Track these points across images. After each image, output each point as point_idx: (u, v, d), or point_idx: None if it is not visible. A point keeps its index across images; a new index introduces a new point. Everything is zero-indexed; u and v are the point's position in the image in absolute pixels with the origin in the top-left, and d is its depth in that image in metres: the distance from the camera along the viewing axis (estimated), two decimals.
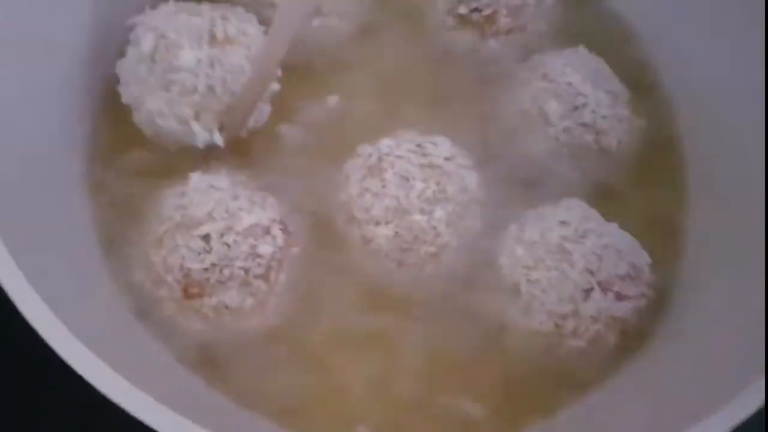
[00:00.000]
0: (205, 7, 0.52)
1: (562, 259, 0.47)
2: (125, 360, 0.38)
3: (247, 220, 0.46)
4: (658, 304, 0.51)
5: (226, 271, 0.45)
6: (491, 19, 0.59)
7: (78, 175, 0.53)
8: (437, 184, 0.49)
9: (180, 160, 0.53)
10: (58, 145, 0.51)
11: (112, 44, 0.55)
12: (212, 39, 0.50)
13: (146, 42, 0.50)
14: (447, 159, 0.51)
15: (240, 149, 0.54)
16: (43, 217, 0.46)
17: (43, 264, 0.40)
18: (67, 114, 0.53)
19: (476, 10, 0.59)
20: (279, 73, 0.53)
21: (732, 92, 0.57)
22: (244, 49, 0.51)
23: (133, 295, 0.49)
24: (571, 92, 0.54)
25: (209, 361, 0.47)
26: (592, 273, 0.47)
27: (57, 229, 0.48)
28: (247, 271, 0.45)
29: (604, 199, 0.55)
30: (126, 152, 0.54)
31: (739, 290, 0.50)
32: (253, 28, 0.53)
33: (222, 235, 0.45)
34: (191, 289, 0.46)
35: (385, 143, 0.51)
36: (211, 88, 0.50)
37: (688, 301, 0.52)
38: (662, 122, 0.60)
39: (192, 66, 0.49)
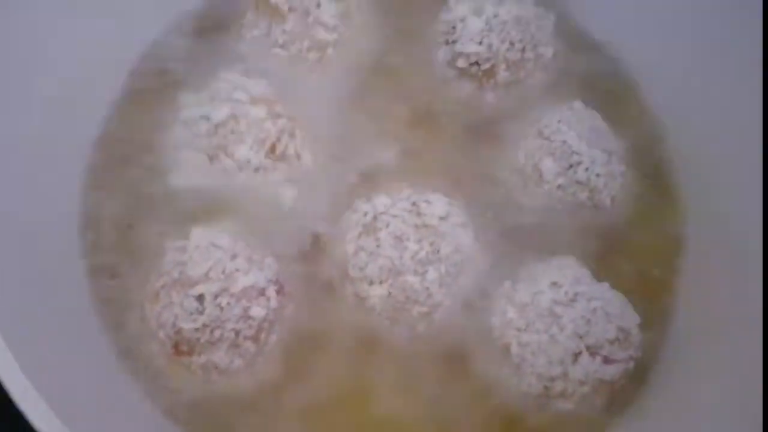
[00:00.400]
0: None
1: (552, 322, 0.48)
2: (109, 412, 0.39)
3: (242, 281, 0.47)
4: (647, 363, 0.52)
5: (217, 332, 0.46)
6: (490, 72, 0.59)
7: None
8: (431, 244, 0.50)
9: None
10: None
11: None
12: None
13: None
14: (441, 218, 0.51)
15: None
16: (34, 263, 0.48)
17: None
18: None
19: (475, 63, 0.59)
20: None
21: (734, 147, 0.57)
22: None
23: (126, 346, 0.50)
24: (565, 150, 0.55)
25: (196, 417, 0.48)
26: (581, 337, 0.48)
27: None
28: (237, 333, 0.47)
29: (598, 255, 0.56)
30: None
31: (727, 350, 0.50)
32: None
33: (216, 297, 0.46)
34: (181, 347, 0.47)
35: (381, 201, 0.52)
36: None
37: (677, 359, 0.53)
38: (660, 176, 0.61)
39: None
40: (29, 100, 0.51)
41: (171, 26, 0.61)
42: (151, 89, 0.58)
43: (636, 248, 0.57)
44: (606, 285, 0.51)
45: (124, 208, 0.55)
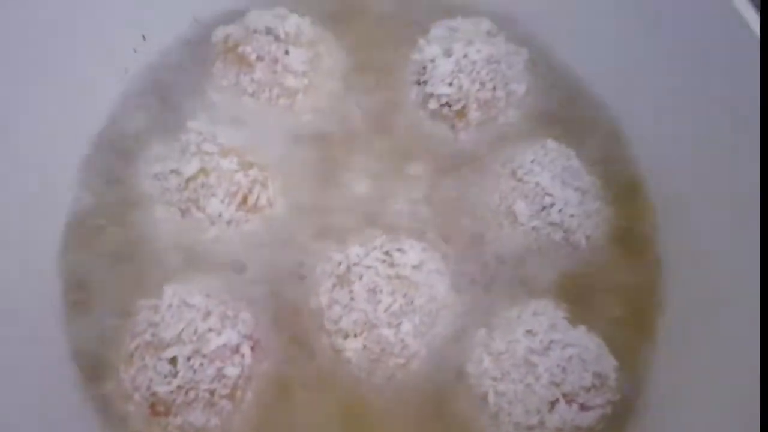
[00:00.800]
0: None
1: (528, 372, 0.48)
2: None
3: (215, 342, 0.47)
4: (626, 406, 0.52)
5: (192, 393, 0.46)
6: (461, 113, 0.59)
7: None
8: (404, 296, 0.50)
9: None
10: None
11: None
12: None
13: None
14: (415, 267, 0.51)
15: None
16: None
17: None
18: None
19: (446, 104, 0.59)
20: None
21: (711, 182, 0.56)
22: None
23: (103, 405, 0.50)
24: (538, 192, 0.55)
25: None
26: (557, 385, 0.48)
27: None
28: (212, 392, 0.46)
29: (575, 295, 0.55)
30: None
31: (708, 391, 0.50)
32: None
33: (189, 359, 0.46)
34: (158, 407, 0.47)
35: (354, 251, 0.52)
36: None
37: (658, 401, 0.53)
38: (635, 211, 0.60)
39: None
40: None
41: (139, 80, 0.60)
42: (123, 144, 0.58)
43: (613, 287, 0.57)
44: (582, 329, 0.51)
45: (100, 266, 0.54)
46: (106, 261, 0.54)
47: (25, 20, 0.51)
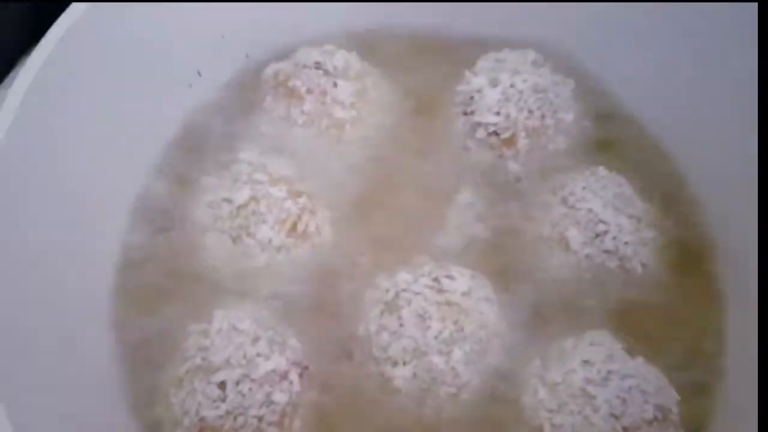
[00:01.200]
0: None
1: (585, 403, 0.46)
2: None
3: (263, 367, 0.47)
4: None
5: (240, 419, 0.46)
6: (510, 141, 0.59)
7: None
8: (455, 323, 0.49)
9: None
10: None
11: None
12: None
13: None
14: (464, 294, 0.50)
15: None
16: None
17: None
18: None
19: (494, 133, 0.59)
20: None
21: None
22: None
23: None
24: (591, 219, 0.54)
25: None
26: (616, 418, 0.46)
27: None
28: (260, 419, 0.46)
29: (633, 326, 0.53)
30: None
31: None
32: None
33: (238, 383, 0.46)
34: None
35: (402, 277, 0.51)
36: None
37: None
38: (694, 236, 0.58)
39: None
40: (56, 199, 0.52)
41: (193, 114, 0.62)
42: (177, 175, 0.59)
43: (673, 318, 0.54)
44: (640, 361, 0.49)
45: (153, 294, 0.55)
46: (158, 287, 0.55)
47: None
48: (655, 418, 0.46)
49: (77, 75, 0.53)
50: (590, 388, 0.46)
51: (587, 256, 0.53)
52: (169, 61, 0.60)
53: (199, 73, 0.62)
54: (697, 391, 0.51)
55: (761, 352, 0.51)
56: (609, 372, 0.47)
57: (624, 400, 0.46)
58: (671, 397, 0.48)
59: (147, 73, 0.58)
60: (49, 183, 0.51)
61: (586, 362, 0.48)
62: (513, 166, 0.60)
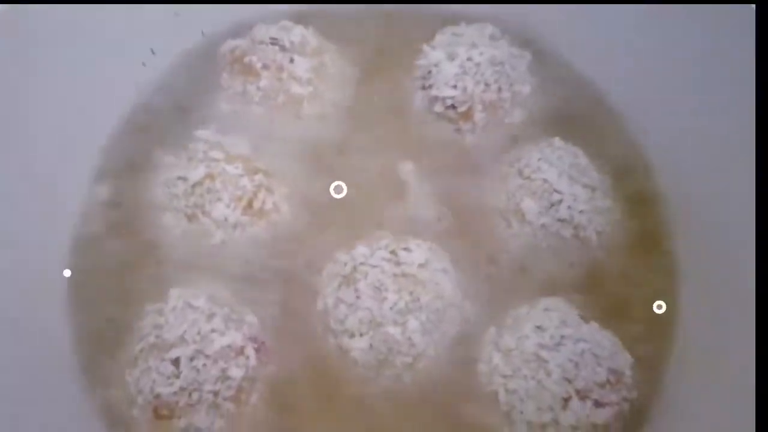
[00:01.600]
0: None
1: (538, 367, 0.47)
2: None
3: (218, 342, 0.47)
4: (643, 404, 0.50)
5: (195, 395, 0.46)
6: (467, 115, 0.59)
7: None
8: (410, 294, 0.49)
9: None
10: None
11: None
12: None
13: None
14: (421, 266, 0.51)
15: None
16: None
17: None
18: None
19: (451, 107, 0.59)
20: None
21: (722, 175, 0.55)
22: None
23: (108, 410, 0.50)
24: (546, 189, 0.54)
25: None
26: (569, 381, 0.46)
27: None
28: (216, 393, 0.46)
29: (588, 294, 0.54)
30: None
31: (727, 388, 0.48)
32: None
33: (192, 359, 0.46)
34: (161, 411, 0.46)
35: (360, 251, 0.51)
36: None
37: (676, 399, 0.51)
38: (647, 206, 0.59)
39: None
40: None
41: (148, 93, 0.62)
42: (132, 154, 0.59)
43: (628, 284, 0.55)
44: (594, 326, 0.50)
45: (108, 272, 0.55)
46: (114, 267, 0.55)
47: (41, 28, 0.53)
48: (608, 381, 0.47)
49: (25, 55, 0.52)
50: (543, 353, 0.47)
51: (543, 226, 0.54)
52: (120, 39, 0.59)
53: (152, 51, 0.62)
54: (651, 354, 0.52)
55: (715, 320, 0.52)
56: (562, 337, 0.48)
57: (577, 364, 0.46)
58: (625, 360, 0.48)
59: (98, 52, 0.57)
60: (1, 165, 0.51)
61: (539, 328, 0.48)
62: (470, 139, 0.60)
